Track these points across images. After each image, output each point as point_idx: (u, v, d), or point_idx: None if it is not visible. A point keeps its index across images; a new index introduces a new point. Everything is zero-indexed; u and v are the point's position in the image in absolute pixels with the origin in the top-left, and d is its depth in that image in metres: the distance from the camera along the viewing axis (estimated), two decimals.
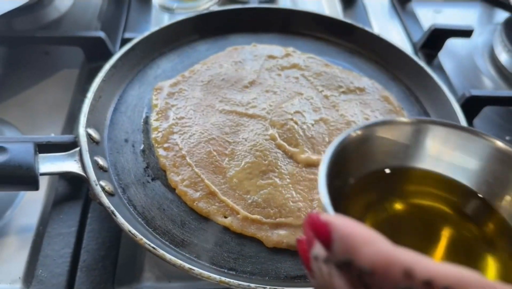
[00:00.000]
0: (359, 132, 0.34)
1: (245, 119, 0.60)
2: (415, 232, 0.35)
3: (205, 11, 0.74)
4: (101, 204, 0.48)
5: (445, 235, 0.34)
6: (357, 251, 0.22)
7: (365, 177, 0.36)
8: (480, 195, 0.34)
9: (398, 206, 0.36)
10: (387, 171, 0.36)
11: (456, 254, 0.33)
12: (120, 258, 0.53)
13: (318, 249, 0.25)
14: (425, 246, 0.34)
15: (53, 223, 0.54)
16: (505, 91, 0.78)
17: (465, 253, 0.33)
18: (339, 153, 0.32)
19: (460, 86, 0.83)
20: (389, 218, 0.35)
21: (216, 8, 0.75)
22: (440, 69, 0.81)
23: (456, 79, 0.85)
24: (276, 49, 0.72)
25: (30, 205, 0.59)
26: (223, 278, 0.43)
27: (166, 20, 0.89)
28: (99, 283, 0.50)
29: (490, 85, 0.84)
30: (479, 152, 0.34)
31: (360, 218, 0.34)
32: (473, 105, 0.69)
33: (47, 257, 0.51)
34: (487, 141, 0.34)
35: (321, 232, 0.24)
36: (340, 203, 0.30)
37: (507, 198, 0.33)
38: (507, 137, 0.76)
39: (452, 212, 0.35)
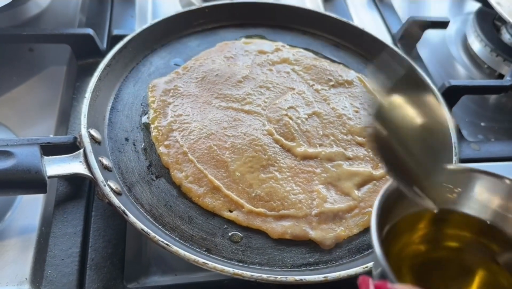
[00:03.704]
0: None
1: (242, 114, 0.62)
2: (452, 275, 0.37)
3: (194, 7, 0.74)
4: (110, 204, 0.49)
5: (481, 280, 0.36)
6: None
7: (406, 218, 0.37)
8: None
9: (437, 249, 0.37)
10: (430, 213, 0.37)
11: None
12: (126, 254, 0.54)
13: None
14: None
15: (58, 223, 0.55)
16: (481, 81, 0.83)
17: None
18: (383, 204, 0.34)
19: (436, 75, 0.87)
20: (427, 260, 0.37)
21: (205, 3, 0.76)
22: (418, 60, 0.85)
23: (432, 67, 0.89)
24: (265, 44, 0.74)
25: (29, 206, 0.59)
26: (236, 270, 0.45)
27: (150, 14, 0.89)
28: (109, 280, 0.51)
29: (464, 73, 0.89)
30: None
31: (399, 260, 0.36)
32: (452, 95, 0.74)
33: (54, 258, 0.52)
34: None
35: None
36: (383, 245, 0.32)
37: None
38: (483, 124, 0.81)
39: (491, 258, 0.37)
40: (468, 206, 0.38)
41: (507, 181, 0.37)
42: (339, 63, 0.74)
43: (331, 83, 0.69)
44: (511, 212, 0.36)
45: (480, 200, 0.37)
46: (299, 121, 0.62)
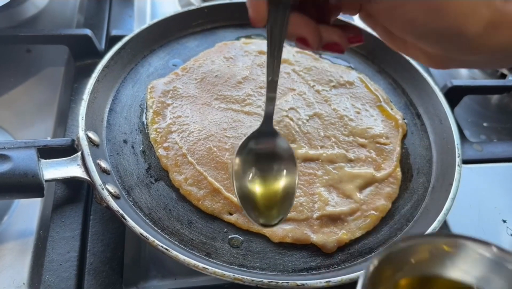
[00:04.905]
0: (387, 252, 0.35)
1: (242, 115, 0.61)
2: None
3: (193, 7, 0.73)
4: (108, 208, 0.48)
5: None
6: None
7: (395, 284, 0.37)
8: None
9: None
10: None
11: None
12: (125, 258, 0.53)
13: None
14: None
15: (56, 227, 0.54)
16: (484, 81, 0.82)
17: None
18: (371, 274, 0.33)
19: (438, 75, 0.86)
20: None
21: (204, 3, 0.75)
22: None
23: None
24: (265, 44, 0.72)
25: (27, 210, 0.59)
26: (236, 275, 0.45)
27: (148, 14, 0.88)
28: (108, 285, 0.50)
29: (466, 73, 0.88)
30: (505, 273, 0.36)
31: None
32: (454, 95, 0.73)
33: (52, 262, 0.51)
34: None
35: None
36: None
37: None
38: (485, 124, 0.80)
39: None
40: (455, 271, 0.37)
41: (494, 249, 0.35)
42: (340, 64, 0.73)
43: (332, 84, 0.68)
44: (494, 277, 0.36)
45: (467, 266, 0.37)
46: (300, 122, 0.61)
